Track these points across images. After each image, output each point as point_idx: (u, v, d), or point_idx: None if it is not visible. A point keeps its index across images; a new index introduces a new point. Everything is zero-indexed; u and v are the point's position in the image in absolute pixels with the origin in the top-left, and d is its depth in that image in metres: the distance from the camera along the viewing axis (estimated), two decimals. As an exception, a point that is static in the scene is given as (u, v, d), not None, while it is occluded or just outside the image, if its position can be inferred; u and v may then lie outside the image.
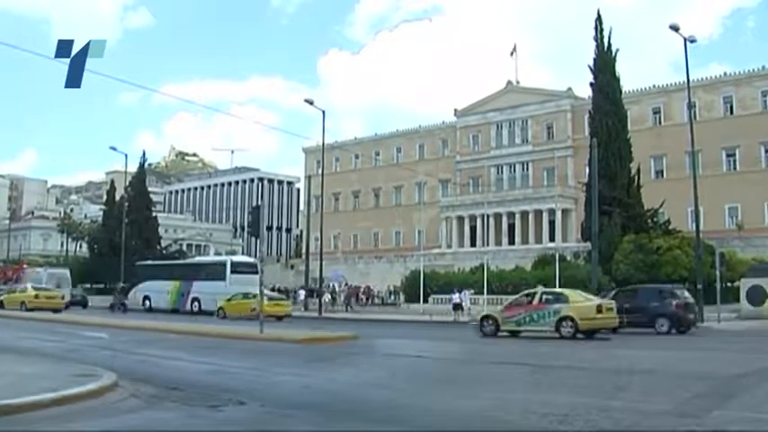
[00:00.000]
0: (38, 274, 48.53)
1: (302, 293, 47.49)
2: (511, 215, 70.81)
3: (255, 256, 54.56)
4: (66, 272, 50.75)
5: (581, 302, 20.65)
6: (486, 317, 22.48)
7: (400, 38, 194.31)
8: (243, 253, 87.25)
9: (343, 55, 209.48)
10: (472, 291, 39.43)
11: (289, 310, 33.73)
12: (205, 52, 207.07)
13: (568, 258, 46.12)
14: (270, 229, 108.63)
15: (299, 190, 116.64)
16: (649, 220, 44.68)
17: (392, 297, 54.79)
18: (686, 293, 24.40)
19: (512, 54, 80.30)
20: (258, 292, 22.99)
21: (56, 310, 35.20)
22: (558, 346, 18.53)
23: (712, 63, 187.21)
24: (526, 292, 23.49)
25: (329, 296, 47.26)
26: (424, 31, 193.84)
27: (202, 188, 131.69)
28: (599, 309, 20.29)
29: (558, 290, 24.48)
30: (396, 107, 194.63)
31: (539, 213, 68.99)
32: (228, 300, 34.77)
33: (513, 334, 21.18)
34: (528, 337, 20.78)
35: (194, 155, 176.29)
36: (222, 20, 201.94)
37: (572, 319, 19.80)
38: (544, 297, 21.25)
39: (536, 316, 20.62)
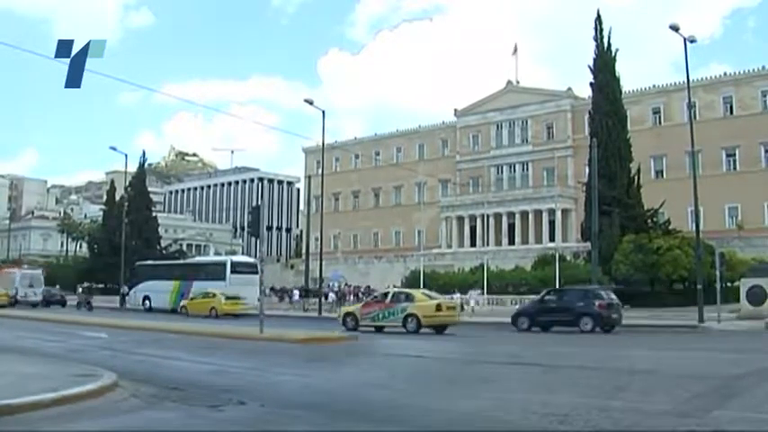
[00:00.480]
0: (12, 275, 49.38)
1: (296, 293, 47.51)
2: (511, 215, 70.81)
3: (255, 256, 54.55)
4: (39, 272, 52.41)
5: (424, 302, 23.04)
6: (347, 314, 24.58)
7: (401, 38, 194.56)
8: (243, 253, 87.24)
9: (344, 55, 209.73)
10: (479, 291, 39.29)
11: (244, 309, 35.00)
12: (206, 52, 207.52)
13: (568, 258, 46.14)
14: (270, 229, 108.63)
15: (298, 190, 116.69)
16: (649, 220, 44.72)
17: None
18: (612, 295, 25.50)
19: (514, 53, 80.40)
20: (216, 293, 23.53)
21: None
22: (560, 345, 18.53)
23: (713, 63, 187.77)
24: (383, 291, 26.69)
25: (333, 296, 47.29)
26: (424, 31, 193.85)
27: (202, 188, 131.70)
28: (438, 307, 22.86)
29: (407, 290, 27.56)
30: (396, 107, 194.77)
31: (539, 213, 68.99)
32: (192, 299, 37.32)
33: (378, 329, 23.17)
34: (528, 336, 20.82)
35: (194, 155, 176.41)
36: (223, 20, 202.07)
37: (416, 316, 22.38)
38: (395, 296, 23.99)
39: (387, 313, 23.08)
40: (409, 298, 23.40)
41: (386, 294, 24.81)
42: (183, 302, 37.71)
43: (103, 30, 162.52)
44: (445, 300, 24.82)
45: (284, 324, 27.25)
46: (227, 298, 35.30)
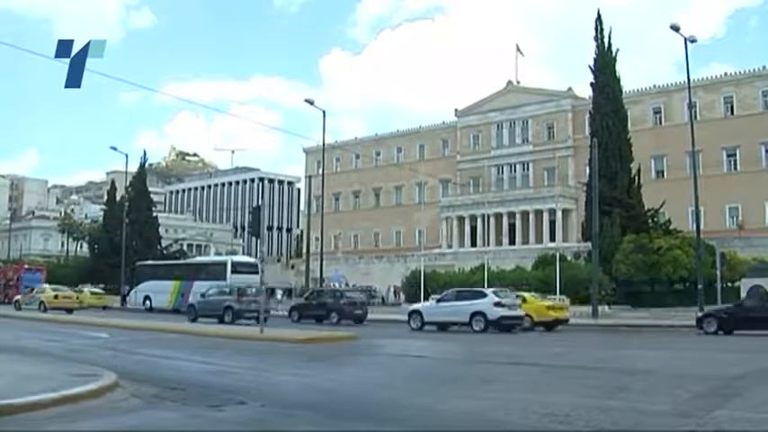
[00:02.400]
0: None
1: (279, 293, 47.54)
2: (511, 215, 70.79)
3: (256, 256, 54.55)
4: None
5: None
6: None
7: (402, 37, 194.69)
8: (243, 253, 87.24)
9: (345, 55, 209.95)
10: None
11: (76, 304, 37.22)
12: (207, 52, 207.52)
13: (569, 258, 46.10)
14: (270, 229, 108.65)
15: (299, 190, 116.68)
16: (650, 220, 44.71)
17: (396, 297, 54.78)
18: (361, 295, 34.20)
19: (518, 53, 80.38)
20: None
21: None
22: (562, 345, 18.53)
23: (714, 62, 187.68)
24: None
25: None
26: (425, 30, 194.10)
27: (203, 188, 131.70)
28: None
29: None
30: (397, 107, 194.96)
31: (539, 213, 68.97)
32: (55, 297, 37.74)
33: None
34: (527, 336, 20.82)
35: (195, 155, 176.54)
36: (224, 20, 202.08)
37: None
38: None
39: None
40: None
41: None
42: (41, 298, 37.30)
43: (104, 30, 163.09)
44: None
45: (285, 324, 27.29)
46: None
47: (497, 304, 23.52)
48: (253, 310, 26.55)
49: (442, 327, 24.30)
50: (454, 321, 23.73)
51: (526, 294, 26.51)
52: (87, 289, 47.77)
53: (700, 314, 23.72)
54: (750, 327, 21.27)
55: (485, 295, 24.33)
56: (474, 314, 23.48)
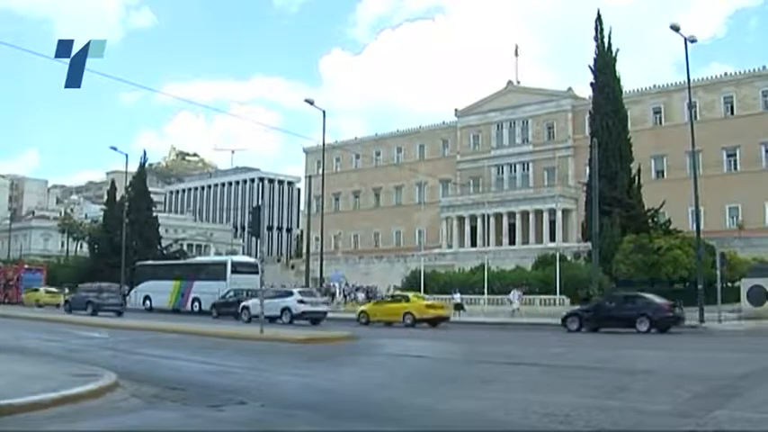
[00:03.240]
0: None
1: (339, 295, 47.77)
2: (511, 215, 70.78)
3: (256, 256, 54.53)
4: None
5: None
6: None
7: (402, 37, 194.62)
8: (243, 253, 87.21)
9: (345, 55, 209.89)
10: (522, 291, 38.03)
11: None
12: (207, 52, 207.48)
13: (569, 258, 46.07)
14: (270, 229, 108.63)
15: (299, 190, 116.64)
16: (650, 220, 44.69)
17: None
18: (318, 296, 33.30)
19: (516, 54, 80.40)
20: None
21: None
22: (561, 345, 18.53)
23: (715, 62, 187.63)
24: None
25: (342, 296, 47.94)
26: (425, 30, 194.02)
27: (203, 188, 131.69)
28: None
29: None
30: (397, 107, 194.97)
31: (539, 213, 68.96)
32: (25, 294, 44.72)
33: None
34: (527, 337, 20.84)
35: (195, 155, 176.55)
36: (224, 20, 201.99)
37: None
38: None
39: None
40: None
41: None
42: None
43: (104, 29, 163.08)
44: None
45: (285, 324, 27.32)
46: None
47: (300, 301, 28.64)
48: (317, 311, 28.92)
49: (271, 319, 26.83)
50: (271, 315, 26.66)
51: (410, 294, 31.51)
52: (43, 288, 49.04)
53: (564, 313, 27.05)
54: (611, 325, 23.92)
55: (291, 294, 29.50)
56: (283, 309, 28.25)
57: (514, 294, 35.95)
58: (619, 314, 23.90)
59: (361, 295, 47.65)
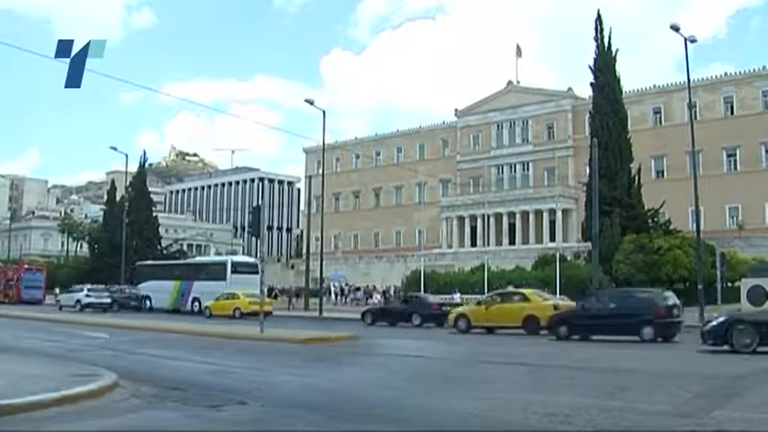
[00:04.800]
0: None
1: (377, 296, 47.63)
2: (511, 215, 70.79)
3: (256, 256, 54.53)
4: None
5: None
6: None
7: (403, 37, 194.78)
8: (243, 253, 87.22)
9: (346, 55, 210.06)
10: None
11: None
12: (207, 52, 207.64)
13: (569, 258, 46.07)
14: (270, 229, 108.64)
15: (299, 190, 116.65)
16: (650, 220, 44.66)
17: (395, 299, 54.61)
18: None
19: (517, 53, 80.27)
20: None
21: None
22: (555, 347, 18.52)
23: (716, 62, 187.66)
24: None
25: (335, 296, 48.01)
26: (426, 30, 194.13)
27: (203, 188, 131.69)
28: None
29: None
30: (397, 107, 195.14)
31: (539, 213, 68.97)
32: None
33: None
34: (528, 336, 20.83)
35: (195, 155, 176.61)
36: (225, 20, 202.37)
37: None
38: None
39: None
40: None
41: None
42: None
43: (105, 30, 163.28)
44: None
45: (286, 324, 27.33)
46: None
47: (87, 296, 40.54)
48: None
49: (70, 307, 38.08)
50: (69, 305, 39.99)
51: (240, 293, 34.60)
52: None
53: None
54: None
55: (82, 290, 41.88)
56: (76, 300, 40.25)
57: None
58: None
59: (377, 296, 47.18)
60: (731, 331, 14.77)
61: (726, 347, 14.77)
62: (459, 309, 26.31)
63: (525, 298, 23.64)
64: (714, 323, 15.71)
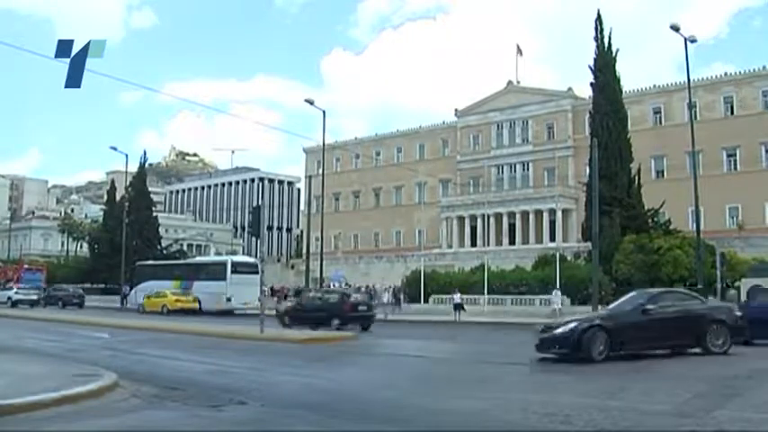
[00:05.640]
0: None
1: (386, 296, 47.02)
2: (511, 215, 70.76)
3: (256, 256, 54.54)
4: None
5: None
6: None
7: (403, 37, 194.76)
8: (243, 253, 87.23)
9: (347, 55, 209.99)
10: (560, 291, 36.28)
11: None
12: (208, 52, 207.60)
13: (569, 258, 46.05)
14: (270, 229, 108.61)
15: (299, 190, 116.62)
16: (650, 220, 44.64)
17: (395, 299, 54.37)
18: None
19: (518, 53, 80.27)
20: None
21: None
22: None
23: (717, 62, 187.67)
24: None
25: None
26: (427, 30, 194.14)
27: (203, 188, 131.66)
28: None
29: None
30: (398, 107, 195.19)
31: (539, 213, 68.95)
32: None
33: None
34: (529, 336, 20.82)
35: (195, 155, 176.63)
36: (225, 20, 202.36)
37: None
38: None
39: None
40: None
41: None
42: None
43: (106, 29, 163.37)
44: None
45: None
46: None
47: (17, 293, 46.00)
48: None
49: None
50: (2, 302, 43.74)
51: (168, 292, 39.07)
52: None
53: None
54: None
55: (12, 288, 47.42)
56: (8, 297, 44.92)
57: (557, 294, 35.10)
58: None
59: (387, 295, 46.68)
60: (588, 337, 12.83)
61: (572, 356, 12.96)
62: None
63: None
64: (564, 329, 13.31)
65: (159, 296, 39.08)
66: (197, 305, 38.28)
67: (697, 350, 13.87)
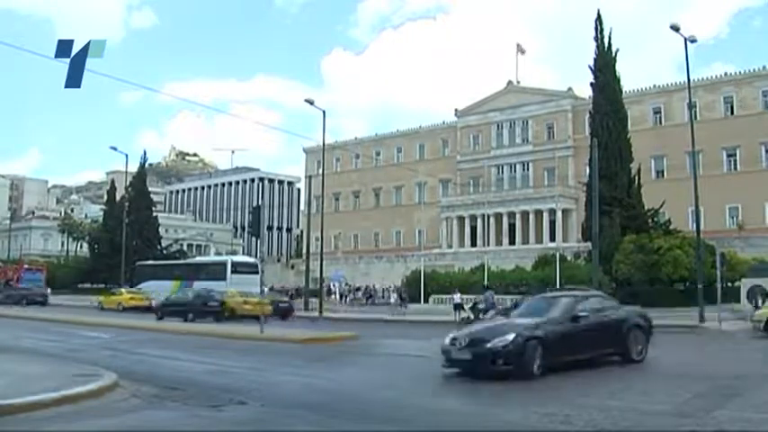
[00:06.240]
0: None
1: (394, 297, 46.93)
2: (511, 215, 70.78)
3: (256, 256, 54.53)
4: None
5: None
6: None
7: (404, 37, 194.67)
8: (243, 253, 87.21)
9: (347, 54, 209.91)
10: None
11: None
12: (208, 52, 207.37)
13: (569, 258, 46.06)
14: (270, 229, 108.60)
15: (299, 190, 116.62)
16: (650, 220, 44.63)
17: (399, 298, 54.36)
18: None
19: (519, 51, 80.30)
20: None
21: None
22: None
23: (717, 63, 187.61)
24: None
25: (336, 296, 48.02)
26: (427, 30, 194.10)
27: (203, 188, 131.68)
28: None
29: None
30: (398, 107, 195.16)
31: (539, 213, 68.96)
32: None
33: None
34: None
35: (195, 155, 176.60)
36: (226, 20, 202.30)
37: None
38: None
39: None
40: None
41: None
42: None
43: (106, 29, 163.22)
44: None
45: (287, 325, 27.34)
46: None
47: None
48: None
49: None
50: None
51: (124, 291, 41.26)
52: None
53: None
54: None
55: None
56: None
57: None
58: None
59: (394, 296, 46.47)
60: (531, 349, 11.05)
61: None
62: None
63: None
64: (502, 340, 11.08)
65: (115, 295, 41.20)
66: (149, 303, 37.38)
67: (616, 358, 12.74)
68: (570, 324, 11.92)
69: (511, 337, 11.01)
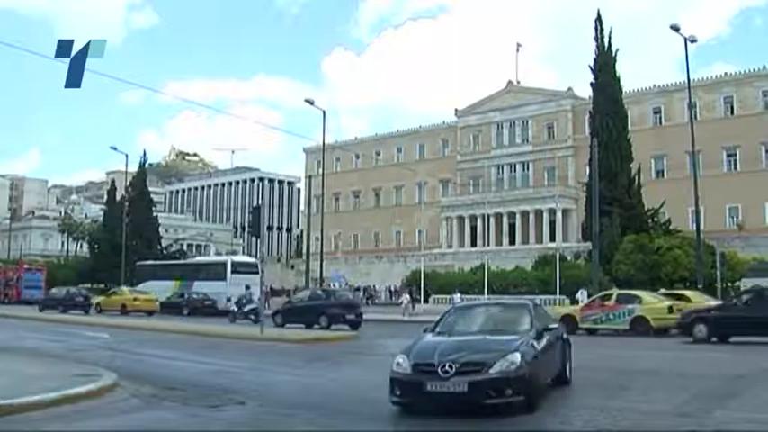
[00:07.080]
0: None
1: (406, 298, 46.27)
2: (511, 215, 70.78)
3: (256, 256, 54.50)
4: None
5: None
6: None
7: (405, 37, 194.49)
8: (243, 253, 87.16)
9: (348, 54, 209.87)
10: (586, 291, 35.92)
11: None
12: (209, 52, 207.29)
13: (569, 258, 46.07)
14: (270, 229, 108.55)
15: (299, 190, 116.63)
16: (650, 220, 44.61)
17: (398, 297, 54.47)
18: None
19: (518, 48, 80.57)
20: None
21: None
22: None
23: (719, 62, 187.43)
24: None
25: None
26: (427, 30, 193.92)
27: (203, 188, 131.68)
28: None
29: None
30: (399, 107, 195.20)
31: (539, 213, 68.95)
32: None
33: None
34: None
35: (195, 155, 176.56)
36: (226, 20, 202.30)
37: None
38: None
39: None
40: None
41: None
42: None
43: (106, 29, 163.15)
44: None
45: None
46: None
47: None
48: None
49: None
50: None
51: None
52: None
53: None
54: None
55: None
56: None
57: (583, 293, 34.32)
58: None
59: (406, 296, 45.90)
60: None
61: None
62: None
63: None
64: (508, 362, 7.86)
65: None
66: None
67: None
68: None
69: (518, 358, 7.82)
